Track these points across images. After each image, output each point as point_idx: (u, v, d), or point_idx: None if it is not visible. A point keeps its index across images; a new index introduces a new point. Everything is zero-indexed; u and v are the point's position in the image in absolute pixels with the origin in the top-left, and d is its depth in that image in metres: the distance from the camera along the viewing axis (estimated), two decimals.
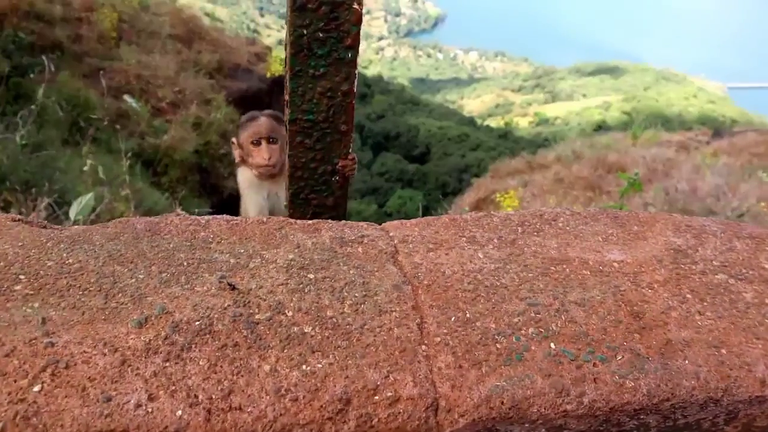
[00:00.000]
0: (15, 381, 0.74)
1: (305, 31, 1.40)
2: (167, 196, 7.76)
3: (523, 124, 56.43)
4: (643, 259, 1.13)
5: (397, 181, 28.86)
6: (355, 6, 1.33)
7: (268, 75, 14.81)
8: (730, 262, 1.17)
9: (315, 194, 1.70)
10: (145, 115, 9.73)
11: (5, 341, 0.78)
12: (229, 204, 9.44)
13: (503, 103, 69.26)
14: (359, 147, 31.72)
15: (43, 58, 5.87)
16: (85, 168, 4.23)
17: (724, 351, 0.98)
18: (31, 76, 9.05)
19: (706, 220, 1.28)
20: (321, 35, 1.41)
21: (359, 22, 1.42)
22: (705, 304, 1.06)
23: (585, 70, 75.05)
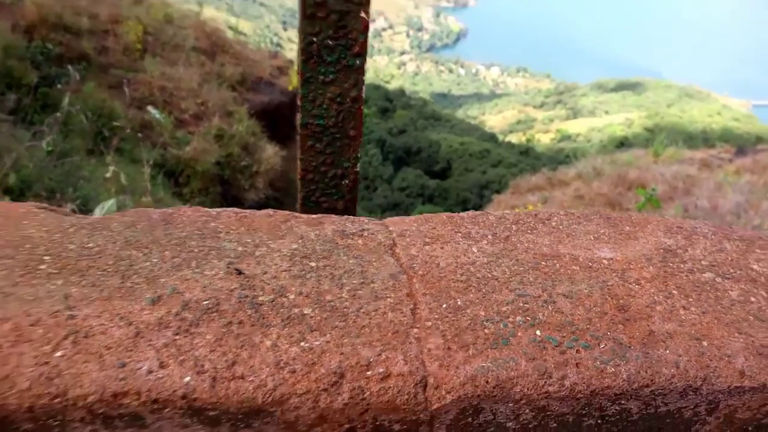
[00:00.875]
0: (40, 347, 0.81)
1: (315, 39, 1.48)
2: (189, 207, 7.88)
3: (544, 140, 56.28)
4: (633, 257, 1.18)
5: (418, 196, 28.97)
6: (362, 15, 1.40)
7: (290, 88, 14.97)
8: (719, 262, 1.22)
9: (325, 197, 1.77)
10: (168, 126, 9.89)
11: (31, 312, 0.85)
12: None
13: (525, 119, 69.17)
14: (380, 161, 31.87)
15: (69, 68, 6.03)
16: (108, 174, 4.34)
17: (705, 343, 1.03)
18: (59, 86, 9.27)
19: (697, 223, 1.33)
20: (330, 43, 1.48)
21: (366, 30, 1.49)
22: (690, 299, 1.11)
23: (607, 87, 74.76)
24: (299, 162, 1.73)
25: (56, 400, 0.78)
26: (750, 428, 1.10)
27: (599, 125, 58.19)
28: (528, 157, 35.78)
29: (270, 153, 11.21)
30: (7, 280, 0.90)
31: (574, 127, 60.48)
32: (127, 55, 11.43)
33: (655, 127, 47.78)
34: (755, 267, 1.22)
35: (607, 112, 66.84)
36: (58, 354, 0.81)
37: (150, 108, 9.92)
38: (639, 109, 64.39)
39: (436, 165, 33.73)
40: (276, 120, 12.90)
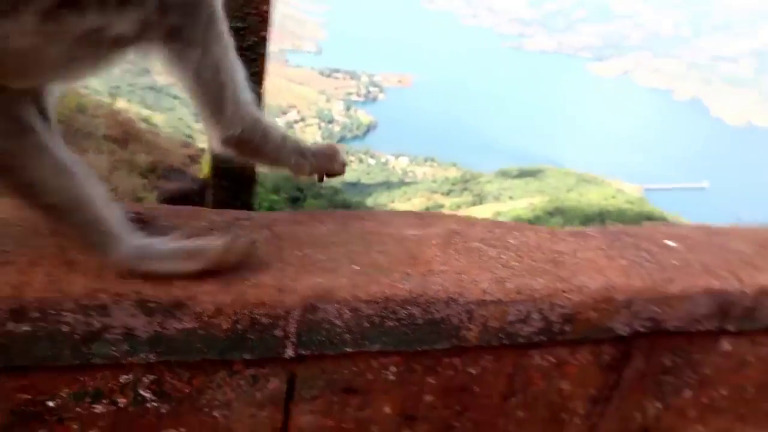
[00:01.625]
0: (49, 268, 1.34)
1: None
2: None
3: None
4: (428, 234, 1.81)
5: None
6: None
7: (201, 176, 15.33)
8: (487, 238, 1.86)
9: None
10: None
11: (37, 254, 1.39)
12: None
13: (433, 205, 71.35)
14: None
15: None
16: None
17: (464, 276, 1.65)
18: None
19: (479, 219, 1.98)
20: None
21: None
22: (460, 255, 1.74)
23: (510, 174, 78.57)
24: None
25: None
26: (502, 336, 1.71)
27: (504, 210, 60.76)
28: None
29: None
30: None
31: (480, 212, 62.86)
32: None
33: (556, 210, 50.39)
34: (511, 241, 1.87)
35: (511, 198, 70.01)
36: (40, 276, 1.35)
37: None
38: (541, 194, 67.77)
39: None
40: (182, 205, 13.19)
